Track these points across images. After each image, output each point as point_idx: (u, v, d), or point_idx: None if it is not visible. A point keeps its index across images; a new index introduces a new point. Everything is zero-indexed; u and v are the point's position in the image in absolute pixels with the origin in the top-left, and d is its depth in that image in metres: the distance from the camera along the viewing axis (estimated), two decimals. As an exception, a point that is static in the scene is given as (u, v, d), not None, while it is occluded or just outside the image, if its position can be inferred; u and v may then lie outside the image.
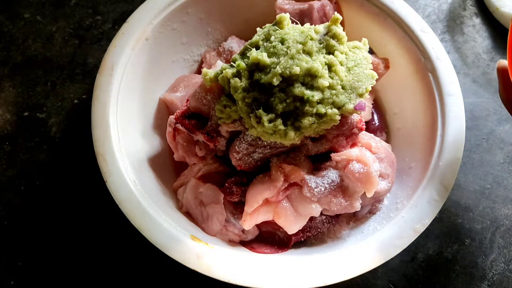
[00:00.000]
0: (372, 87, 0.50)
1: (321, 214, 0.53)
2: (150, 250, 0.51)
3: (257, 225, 0.55)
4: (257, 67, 0.47)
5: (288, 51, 0.47)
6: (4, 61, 0.75)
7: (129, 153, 0.56)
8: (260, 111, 0.47)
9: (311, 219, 0.55)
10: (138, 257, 0.62)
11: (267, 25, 0.52)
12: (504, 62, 0.49)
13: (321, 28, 0.50)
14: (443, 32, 0.80)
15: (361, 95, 0.49)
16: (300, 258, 0.52)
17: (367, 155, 0.52)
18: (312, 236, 0.58)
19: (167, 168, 0.63)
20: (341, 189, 0.52)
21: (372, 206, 0.58)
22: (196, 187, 0.56)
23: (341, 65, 0.48)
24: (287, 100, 0.46)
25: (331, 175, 0.51)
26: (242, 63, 0.49)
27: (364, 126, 0.53)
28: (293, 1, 0.64)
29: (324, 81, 0.46)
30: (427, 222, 0.51)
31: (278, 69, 0.46)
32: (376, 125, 0.65)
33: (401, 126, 0.64)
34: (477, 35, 0.80)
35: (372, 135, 0.58)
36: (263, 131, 0.48)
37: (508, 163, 0.69)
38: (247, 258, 0.51)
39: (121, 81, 0.58)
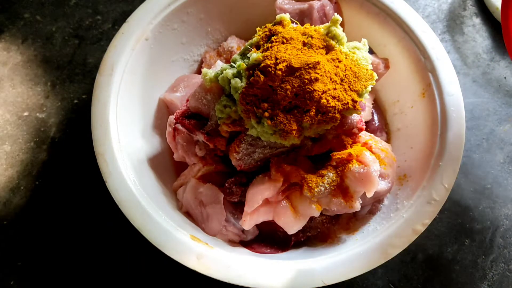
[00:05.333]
0: (372, 87, 0.50)
1: (321, 214, 0.53)
2: (150, 250, 0.51)
3: (257, 225, 0.55)
4: (257, 67, 0.47)
5: (289, 50, 0.47)
6: (4, 61, 0.75)
7: (129, 153, 0.56)
8: (260, 110, 0.47)
9: (311, 219, 0.55)
10: (138, 257, 0.62)
11: (267, 25, 0.52)
12: None
13: (321, 29, 0.50)
14: (443, 32, 0.80)
15: (361, 95, 0.49)
16: (300, 258, 0.52)
17: (367, 155, 0.52)
18: (312, 236, 0.58)
19: (167, 168, 0.63)
20: (341, 189, 0.52)
21: (372, 206, 0.58)
22: (196, 187, 0.56)
23: (341, 65, 0.48)
24: (287, 101, 0.46)
25: (331, 175, 0.51)
26: (242, 63, 0.49)
27: (364, 126, 0.53)
28: (293, 1, 0.64)
29: (324, 81, 0.46)
30: (427, 222, 0.51)
31: (278, 69, 0.46)
32: (376, 125, 0.65)
33: (401, 126, 0.64)
34: (477, 35, 0.80)
35: (372, 135, 0.58)
36: (263, 131, 0.48)
37: (508, 163, 0.69)
38: (247, 258, 0.51)
39: (121, 81, 0.58)
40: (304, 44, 0.49)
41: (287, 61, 0.46)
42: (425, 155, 0.56)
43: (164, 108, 0.65)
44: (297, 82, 0.46)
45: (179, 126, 0.55)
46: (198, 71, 0.70)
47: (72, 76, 0.74)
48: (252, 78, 0.47)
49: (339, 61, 0.49)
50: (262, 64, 0.47)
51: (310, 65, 0.46)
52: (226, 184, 0.54)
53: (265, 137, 0.49)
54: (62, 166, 0.68)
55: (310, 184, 0.50)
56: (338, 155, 0.52)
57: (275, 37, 0.49)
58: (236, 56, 0.52)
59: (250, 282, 0.48)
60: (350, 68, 0.49)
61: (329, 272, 0.49)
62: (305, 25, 0.51)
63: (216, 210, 0.55)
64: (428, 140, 0.57)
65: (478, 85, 0.75)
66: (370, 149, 0.54)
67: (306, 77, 0.46)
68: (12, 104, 0.72)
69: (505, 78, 0.76)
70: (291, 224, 0.51)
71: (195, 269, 0.48)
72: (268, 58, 0.47)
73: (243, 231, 0.56)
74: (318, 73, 0.46)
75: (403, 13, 0.61)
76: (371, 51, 0.62)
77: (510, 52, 0.48)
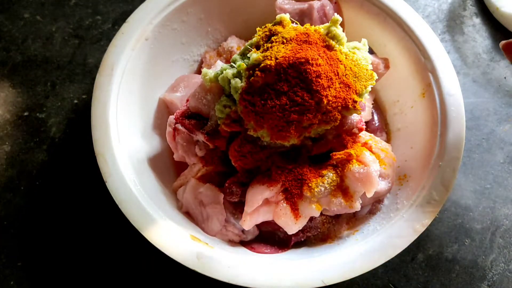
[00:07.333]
0: (372, 87, 0.50)
1: (321, 214, 0.53)
2: (150, 250, 0.51)
3: (257, 225, 0.55)
4: (257, 68, 0.47)
5: (289, 50, 0.47)
6: (4, 61, 0.75)
7: (129, 153, 0.56)
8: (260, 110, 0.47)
9: (311, 219, 0.55)
10: (138, 257, 0.62)
11: (267, 25, 0.52)
12: (510, 40, 0.49)
13: (321, 29, 0.50)
14: (443, 32, 0.80)
15: (361, 95, 0.49)
16: (300, 258, 0.52)
17: (367, 155, 0.52)
18: (312, 236, 0.58)
19: (167, 168, 0.63)
20: (341, 189, 0.52)
21: (372, 206, 0.58)
22: (196, 187, 0.56)
23: (341, 65, 0.48)
24: (288, 101, 0.46)
25: (331, 175, 0.51)
26: (242, 64, 0.49)
27: (364, 126, 0.53)
28: (293, 1, 0.64)
29: (324, 81, 0.46)
30: (427, 222, 0.51)
31: (278, 69, 0.46)
32: (376, 125, 0.65)
33: (401, 126, 0.64)
34: (477, 35, 0.80)
35: (372, 135, 0.58)
36: (263, 132, 0.48)
37: (508, 163, 0.69)
38: (247, 258, 0.51)
39: (121, 81, 0.58)
40: (304, 44, 0.49)
41: (287, 62, 0.46)
42: (425, 155, 0.56)
43: (164, 108, 0.65)
44: (297, 82, 0.46)
45: (179, 126, 0.55)
46: (198, 71, 0.70)
47: (72, 76, 0.74)
48: (252, 78, 0.47)
49: (339, 61, 0.48)
50: (262, 64, 0.47)
51: (310, 66, 0.46)
52: (226, 184, 0.54)
53: (265, 137, 0.49)
54: (62, 166, 0.68)
55: (310, 184, 0.50)
56: (338, 155, 0.52)
57: (275, 37, 0.49)
58: (236, 56, 0.52)
59: (250, 282, 0.48)
60: (350, 68, 0.49)
61: (329, 272, 0.49)
62: (305, 25, 0.51)
63: (216, 210, 0.55)
64: (428, 140, 0.57)
65: (478, 85, 0.75)
66: (370, 149, 0.54)
67: (306, 77, 0.46)
68: (12, 104, 0.72)
69: (505, 78, 0.76)
70: (291, 224, 0.51)
71: (195, 269, 0.48)
72: (268, 58, 0.47)
73: (243, 231, 0.56)
74: (318, 73, 0.46)
75: (403, 13, 0.61)
76: (371, 51, 0.62)
77: None
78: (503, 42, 0.50)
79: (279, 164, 0.52)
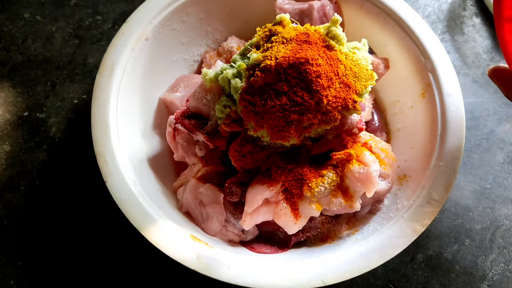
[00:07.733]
0: (372, 87, 0.50)
1: (321, 214, 0.53)
2: (150, 250, 0.51)
3: (257, 225, 0.55)
4: (257, 68, 0.47)
5: (289, 50, 0.47)
6: (4, 61, 0.75)
7: (129, 153, 0.56)
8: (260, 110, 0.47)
9: (311, 219, 0.55)
10: (138, 257, 0.62)
11: (267, 25, 0.52)
12: (497, 66, 0.49)
13: (321, 29, 0.50)
14: (443, 32, 0.80)
15: (361, 95, 0.49)
16: (300, 258, 0.52)
17: (367, 155, 0.52)
18: (312, 236, 0.58)
19: (167, 168, 0.63)
20: (341, 189, 0.52)
21: (372, 206, 0.58)
22: (196, 187, 0.56)
23: (341, 65, 0.48)
24: (288, 101, 0.46)
25: (331, 175, 0.51)
26: (242, 64, 0.49)
27: (364, 126, 0.53)
28: (293, 1, 0.64)
29: (324, 81, 0.46)
30: (427, 222, 0.51)
31: (278, 69, 0.46)
32: (376, 125, 0.65)
33: (401, 126, 0.64)
34: (477, 35, 0.80)
35: (372, 135, 0.58)
36: (263, 132, 0.48)
37: (508, 163, 0.69)
38: (247, 258, 0.51)
39: (121, 81, 0.58)
40: (304, 44, 0.49)
41: (287, 62, 0.46)
42: (425, 155, 0.56)
43: (164, 108, 0.65)
44: (297, 82, 0.46)
45: (179, 126, 0.55)
46: (198, 71, 0.70)
47: (72, 76, 0.74)
48: (252, 78, 0.47)
49: (339, 61, 0.49)
50: (262, 64, 0.47)
51: (310, 66, 0.46)
52: (226, 184, 0.54)
53: (265, 137, 0.49)
54: (62, 166, 0.68)
55: (310, 184, 0.50)
56: (338, 155, 0.52)
57: (275, 37, 0.50)
58: (236, 56, 0.52)
59: (250, 282, 0.48)
60: (350, 68, 0.49)
61: (329, 272, 0.49)
62: (305, 25, 0.51)
63: (216, 210, 0.55)
64: (428, 140, 0.57)
65: (478, 85, 0.75)
66: (370, 149, 0.54)
67: (306, 77, 0.46)
68: (12, 104, 0.72)
69: (505, 78, 0.76)
70: (291, 224, 0.51)
71: (195, 269, 0.48)
72: (268, 58, 0.47)
73: (243, 231, 0.56)
74: (318, 73, 0.46)
75: (403, 13, 0.61)
76: (371, 51, 0.62)
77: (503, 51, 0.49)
78: (490, 68, 0.50)
79: (279, 164, 0.52)
